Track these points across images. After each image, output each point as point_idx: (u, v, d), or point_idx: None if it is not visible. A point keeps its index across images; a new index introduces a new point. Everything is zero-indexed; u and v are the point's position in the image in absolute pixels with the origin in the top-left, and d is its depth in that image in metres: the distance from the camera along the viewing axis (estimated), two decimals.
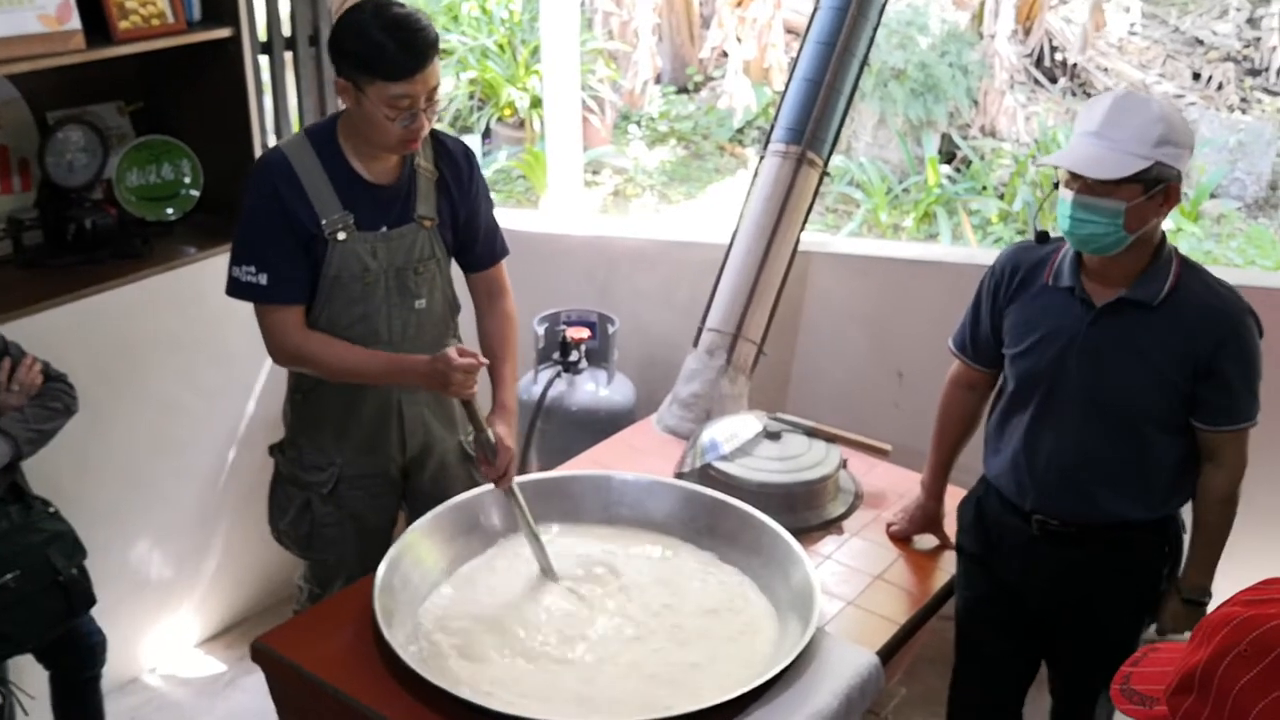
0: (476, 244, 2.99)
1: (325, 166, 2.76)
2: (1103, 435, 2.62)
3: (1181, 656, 1.27)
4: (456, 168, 2.91)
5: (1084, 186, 2.47)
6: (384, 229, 2.81)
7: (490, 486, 2.90)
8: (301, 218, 2.73)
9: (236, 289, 2.79)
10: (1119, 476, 2.64)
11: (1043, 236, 2.72)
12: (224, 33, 3.54)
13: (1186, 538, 2.76)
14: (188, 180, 3.74)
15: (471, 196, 2.94)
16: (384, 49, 2.58)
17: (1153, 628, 2.80)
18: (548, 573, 2.82)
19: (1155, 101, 2.52)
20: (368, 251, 2.79)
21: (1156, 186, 2.47)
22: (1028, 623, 2.86)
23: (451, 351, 2.73)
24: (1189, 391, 2.58)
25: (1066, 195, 2.51)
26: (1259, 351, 2.60)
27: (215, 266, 3.53)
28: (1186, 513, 2.76)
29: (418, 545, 2.81)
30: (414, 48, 2.60)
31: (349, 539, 3.01)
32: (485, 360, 2.80)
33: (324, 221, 2.74)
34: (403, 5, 2.65)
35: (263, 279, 2.75)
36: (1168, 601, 2.75)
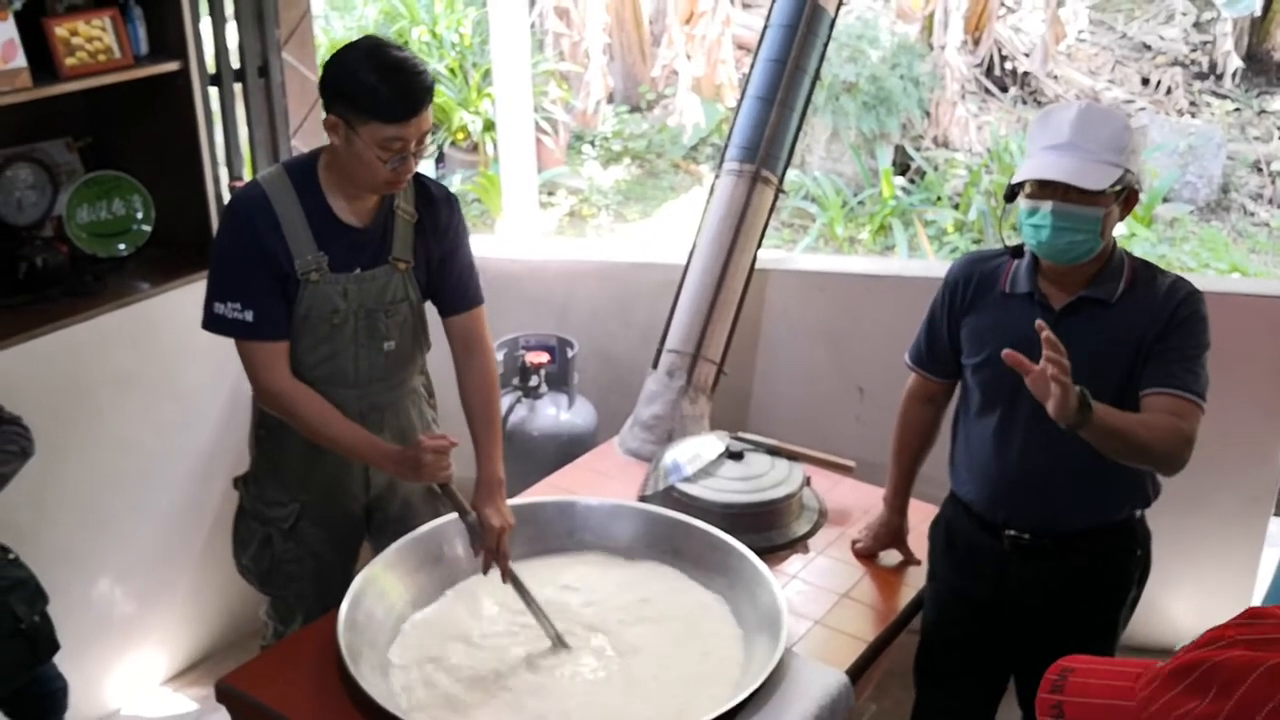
0: (447, 287, 2.92)
1: (303, 205, 2.70)
2: (1067, 437, 2.60)
3: (1186, 706, 1.15)
4: (436, 212, 2.86)
5: (1063, 196, 2.48)
6: (357, 270, 2.76)
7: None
8: (276, 256, 2.68)
9: (219, 325, 2.73)
10: (1083, 477, 2.64)
11: (1017, 251, 2.71)
12: (172, 66, 3.51)
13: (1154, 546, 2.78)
14: (139, 215, 3.70)
15: (449, 240, 2.88)
16: (378, 92, 2.51)
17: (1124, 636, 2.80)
18: (558, 644, 2.75)
19: (1115, 111, 2.55)
20: (338, 292, 2.75)
21: (1124, 193, 2.53)
22: (995, 640, 2.86)
23: (423, 438, 2.72)
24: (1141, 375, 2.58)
25: (1042, 206, 2.51)
26: (1207, 326, 2.58)
27: (169, 302, 3.52)
28: (1152, 518, 2.77)
29: (380, 579, 2.79)
30: (410, 92, 2.54)
31: (308, 576, 2.98)
32: (456, 441, 2.75)
33: (298, 262, 2.69)
34: (400, 47, 2.59)
35: (248, 315, 2.69)
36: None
